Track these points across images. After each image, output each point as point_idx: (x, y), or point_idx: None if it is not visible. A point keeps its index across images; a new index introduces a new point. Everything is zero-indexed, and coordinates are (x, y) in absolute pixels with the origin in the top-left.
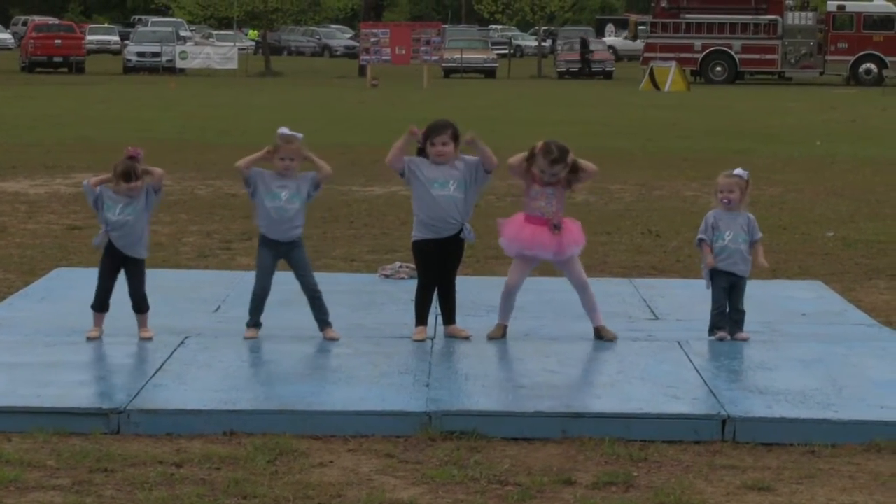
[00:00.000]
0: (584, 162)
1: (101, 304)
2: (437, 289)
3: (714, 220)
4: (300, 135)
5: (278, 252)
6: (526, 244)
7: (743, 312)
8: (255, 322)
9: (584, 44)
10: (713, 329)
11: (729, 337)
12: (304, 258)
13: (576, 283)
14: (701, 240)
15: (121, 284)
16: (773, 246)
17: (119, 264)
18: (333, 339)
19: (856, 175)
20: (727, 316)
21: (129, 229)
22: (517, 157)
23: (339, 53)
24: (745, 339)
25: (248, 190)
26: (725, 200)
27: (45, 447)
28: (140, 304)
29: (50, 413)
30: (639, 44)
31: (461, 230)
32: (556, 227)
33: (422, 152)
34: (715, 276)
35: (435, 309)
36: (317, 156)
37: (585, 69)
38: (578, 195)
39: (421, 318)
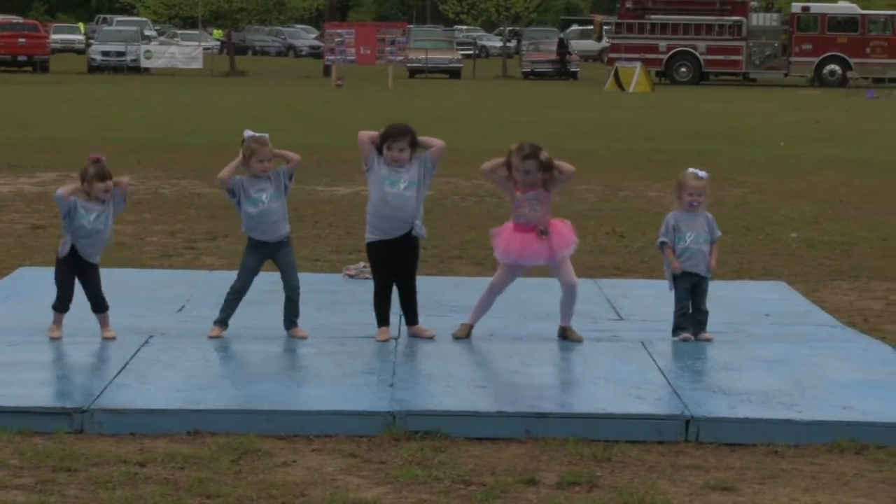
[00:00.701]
0: (559, 162)
1: (63, 306)
2: (397, 289)
3: (675, 221)
4: (266, 134)
5: (266, 253)
6: (517, 255)
7: (706, 313)
8: (223, 319)
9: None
10: (676, 330)
11: (693, 338)
12: (290, 258)
13: (565, 282)
14: (663, 243)
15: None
16: (737, 247)
17: (76, 269)
18: (301, 338)
19: (819, 176)
20: (690, 317)
21: (100, 237)
22: (491, 162)
23: (304, 53)
24: (709, 340)
25: (233, 200)
26: (695, 203)
27: (9, 447)
28: (99, 305)
29: (13, 412)
30: (596, 45)
31: (412, 228)
32: (543, 233)
33: (380, 152)
34: (677, 276)
35: (398, 309)
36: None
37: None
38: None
39: (382, 320)
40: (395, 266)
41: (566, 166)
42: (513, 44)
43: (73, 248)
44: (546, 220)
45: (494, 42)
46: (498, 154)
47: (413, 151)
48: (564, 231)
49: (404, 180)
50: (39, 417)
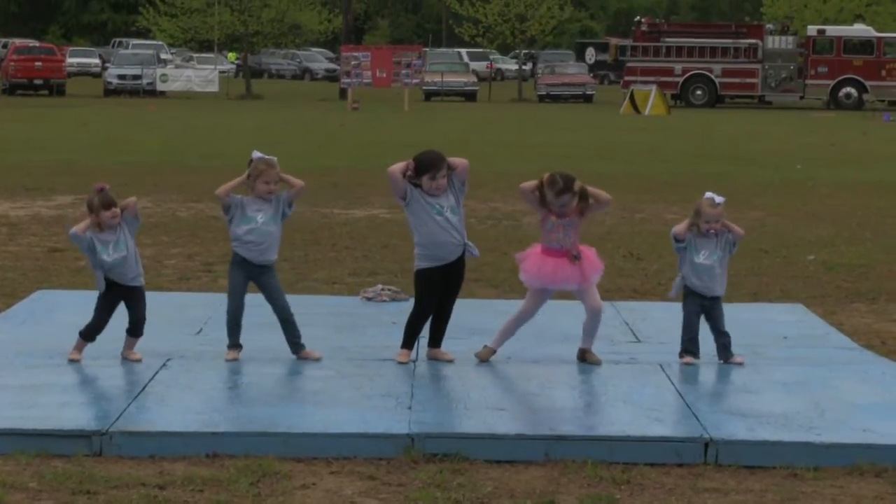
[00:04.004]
0: (594, 190)
1: (92, 336)
2: (436, 313)
3: (692, 237)
4: (275, 158)
5: (250, 274)
6: (549, 279)
7: (727, 335)
8: (234, 343)
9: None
10: (683, 353)
11: (694, 361)
12: (275, 283)
13: (591, 307)
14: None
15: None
16: (755, 269)
17: (120, 297)
18: (314, 359)
19: (836, 199)
20: (698, 341)
21: (127, 264)
22: (529, 184)
23: (319, 76)
24: (740, 363)
25: (226, 217)
26: (713, 232)
27: (28, 469)
28: (138, 329)
29: (32, 435)
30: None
31: (464, 251)
32: (576, 258)
33: (414, 183)
34: (687, 296)
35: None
36: (291, 175)
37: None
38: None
39: (409, 342)
40: (443, 291)
41: (602, 195)
42: (528, 67)
43: (109, 280)
44: (577, 246)
45: (510, 65)
46: (514, 178)
47: (449, 175)
48: (592, 257)
49: (447, 206)
50: (58, 440)
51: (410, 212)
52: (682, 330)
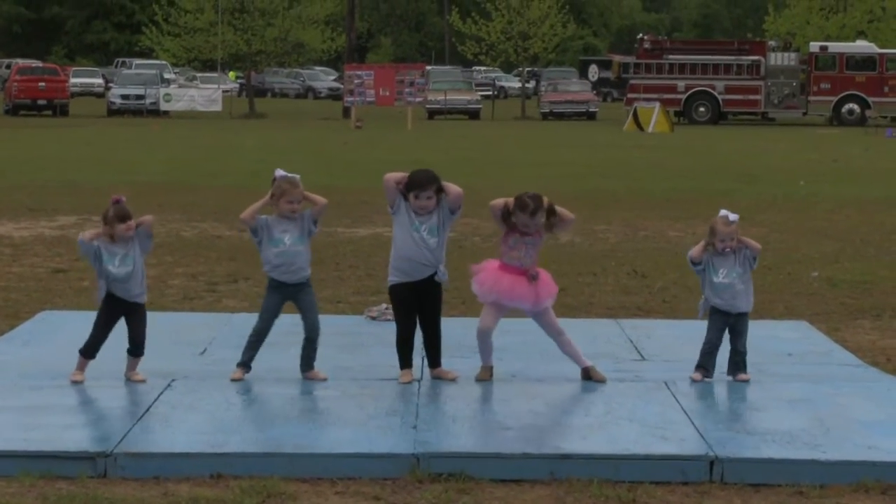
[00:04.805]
0: (561, 209)
1: (92, 352)
2: (422, 332)
3: (709, 257)
4: (298, 176)
5: (286, 294)
6: (504, 294)
7: (742, 353)
8: (245, 361)
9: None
10: (697, 367)
11: (702, 379)
12: (311, 300)
13: (551, 331)
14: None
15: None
16: (758, 286)
17: (120, 313)
18: (320, 380)
19: (839, 215)
20: (714, 356)
21: (132, 279)
22: (499, 201)
23: (323, 95)
24: (745, 381)
25: (255, 240)
26: (728, 250)
27: (32, 491)
28: (138, 349)
29: (36, 457)
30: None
31: (435, 273)
32: (534, 278)
33: (405, 197)
34: (712, 314)
35: (421, 350)
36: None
37: None
38: (564, 236)
39: (405, 362)
40: (418, 309)
41: (566, 214)
42: (531, 84)
43: (111, 293)
44: (535, 267)
45: (513, 83)
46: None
47: (439, 197)
48: (548, 280)
49: (427, 227)
50: (62, 462)
51: (395, 222)
52: (703, 344)
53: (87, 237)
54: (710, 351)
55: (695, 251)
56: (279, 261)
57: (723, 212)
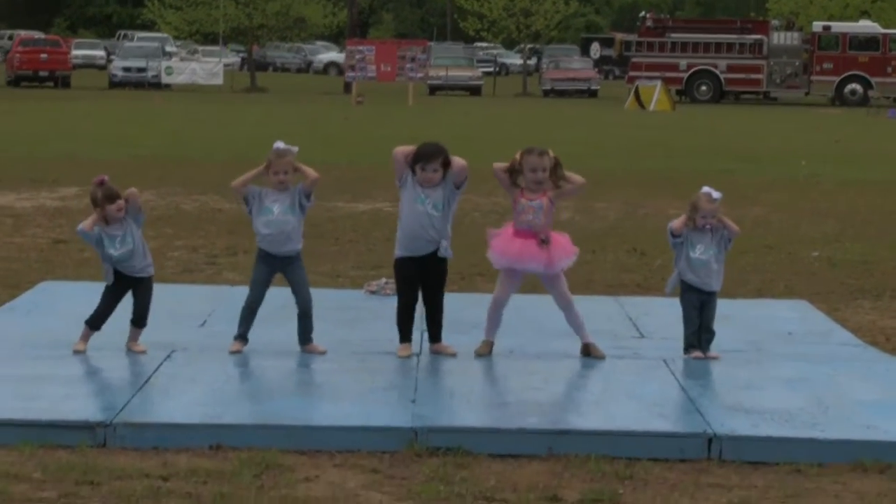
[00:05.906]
0: (570, 173)
1: (98, 324)
2: (424, 306)
3: (687, 233)
4: (295, 148)
5: (274, 266)
6: (515, 258)
7: (713, 333)
8: (241, 334)
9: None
10: (688, 348)
11: (703, 356)
12: (301, 274)
13: (560, 301)
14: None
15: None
16: (759, 266)
17: (128, 286)
18: (318, 353)
19: (840, 196)
20: (700, 335)
21: (134, 257)
22: (502, 164)
23: (324, 70)
24: (715, 358)
25: (246, 209)
26: (709, 227)
27: (32, 460)
28: (141, 320)
29: (36, 426)
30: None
31: (438, 248)
32: (545, 242)
33: (413, 170)
34: (685, 292)
35: (420, 325)
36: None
37: None
38: (563, 212)
39: (405, 336)
40: (421, 283)
41: (577, 177)
42: (533, 61)
43: (118, 272)
44: (548, 231)
45: (515, 60)
46: None
47: (445, 171)
48: (565, 243)
49: (432, 200)
50: (62, 431)
51: (402, 196)
52: (684, 325)
53: (87, 226)
54: (695, 331)
55: (676, 223)
56: (267, 230)
57: (706, 188)
